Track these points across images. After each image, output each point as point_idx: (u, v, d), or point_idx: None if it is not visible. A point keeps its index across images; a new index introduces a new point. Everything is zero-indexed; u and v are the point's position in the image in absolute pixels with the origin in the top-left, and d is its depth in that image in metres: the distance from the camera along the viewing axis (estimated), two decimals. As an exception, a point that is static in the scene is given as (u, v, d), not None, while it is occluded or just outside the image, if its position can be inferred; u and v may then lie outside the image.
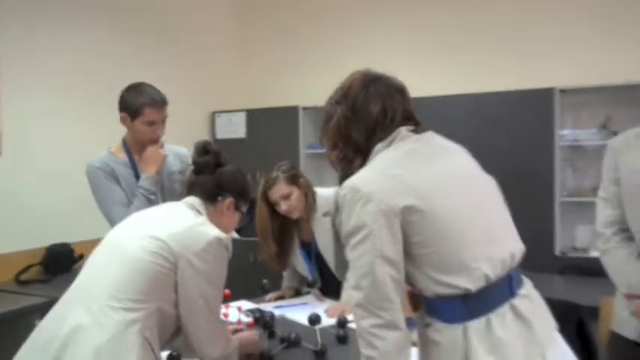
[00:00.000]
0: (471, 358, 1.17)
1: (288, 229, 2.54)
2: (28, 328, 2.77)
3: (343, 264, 2.47)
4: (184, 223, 1.54)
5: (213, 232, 1.54)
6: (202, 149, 1.73)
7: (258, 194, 2.44)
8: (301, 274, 2.67)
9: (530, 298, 1.27)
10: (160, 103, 2.26)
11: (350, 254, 1.26)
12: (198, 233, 1.51)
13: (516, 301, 1.23)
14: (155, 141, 2.30)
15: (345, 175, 1.33)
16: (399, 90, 1.40)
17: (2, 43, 3.30)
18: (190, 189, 1.71)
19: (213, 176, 1.69)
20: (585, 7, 4.00)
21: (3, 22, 3.33)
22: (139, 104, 2.22)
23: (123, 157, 2.30)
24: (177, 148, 2.47)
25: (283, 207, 2.40)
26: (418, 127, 1.40)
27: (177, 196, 2.23)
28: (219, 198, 1.68)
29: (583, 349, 2.32)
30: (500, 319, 1.19)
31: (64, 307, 1.47)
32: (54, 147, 3.47)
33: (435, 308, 1.25)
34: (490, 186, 1.39)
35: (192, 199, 1.67)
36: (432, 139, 1.40)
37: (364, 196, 1.21)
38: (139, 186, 2.22)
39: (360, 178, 1.26)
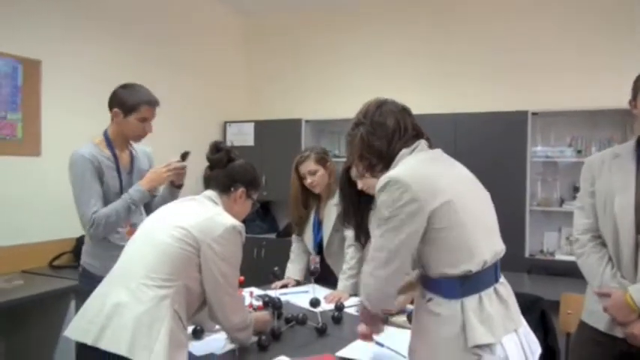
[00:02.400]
0: (467, 327, 1.29)
1: (310, 202, 2.73)
2: (62, 306, 2.89)
3: (333, 249, 2.61)
4: (205, 214, 1.62)
5: (229, 220, 1.62)
6: (215, 148, 1.80)
7: (292, 168, 2.65)
8: (303, 265, 2.81)
9: (506, 286, 1.43)
10: (154, 102, 2.23)
11: (379, 231, 1.37)
12: (216, 222, 1.59)
13: (498, 286, 1.39)
14: (142, 137, 2.25)
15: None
16: (405, 109, 1.56)
17: (43, 49, 3.34)
18: (207, 183, 1.80)
19: (226, 170, 1.78)
20: (557, 39, 4.13)
21: (44, 29, 3.35)
22: (137, 101, 2.17)
23: (107, 152, 2.20)
24: (145, 148, 2.41)
25: (308, 180, 2.59)
26: (430, 142, 1.55)
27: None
28: (232, 189, 1.76)
29: (544, 334, 2.45)
30: (488, 298, 1.34)
31: (107, 287, 1.56)
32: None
33: (437, 286, 1.37)
34: (487, 195, 1.53)
35: (209, 192, 1.75)
36: (443, 153, 1.54)
37: (403, 185, 1.32)
38: (129, 194, 2.15)
39: (398, 172, 1.37)
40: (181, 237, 1.55)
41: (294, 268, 2.81)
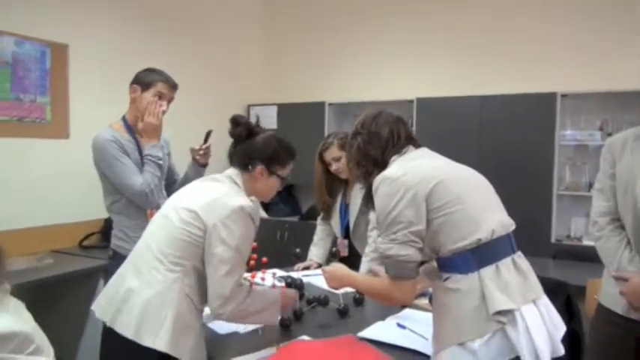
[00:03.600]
0: (487, 296, 1.31)
1: (336, 187, 2.74)
2: (91, 284, 2.97)
3: (360, 231, 2.63)
4: (213, 195, 1.58)
5: (237, 201, 1.55)
6: (234, 122, 1.72)
7: (316, 156, 2.67)
8: (325, 249, 2.82)
9: (524, 260, 1.45)
10: (172, 82, 2.28)
11: (385, 227, 1.44)
12: (223, 203, 1.54)
13: (516, 257, 1.41)
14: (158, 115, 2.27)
15: (369, 188, 1.57)
16: (399, 118, 1.64)
17: (70, 33, 3.38)
18: (230, 160, 1.75)
19: (243, 146, 1.70)
20: (587, 18, 4.01)
21: (70, 14, 3.40)
22: (153, 78, 2.24)
23: (126, 136, 2.24)
24: (164, 134, 2.40)
25: (334, 167, 2.61)
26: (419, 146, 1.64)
27: (164, 174, 2.33)
28: (250, 166, 1.68)
29: (569, 318, 2.42)
30: (506, 267, 1.37)
31: (124, 268, 1.63)
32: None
33: (452, 264, 1.40)
34: (482, 177, 1.56)
35: (230, 171, 1.71)
36: (429, 150, 1.62)
37: (395, 180, 1.43)
38: (147, 154, 2.19)
39: (390, 171, 1.48)
40: (190, 220, 1.55)
41: (317, 251, 2.83)
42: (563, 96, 3.87)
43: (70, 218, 3.38)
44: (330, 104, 4.84)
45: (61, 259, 3.05)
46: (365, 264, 2.50)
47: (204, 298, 1.59)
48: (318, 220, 2.88)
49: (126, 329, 1.48)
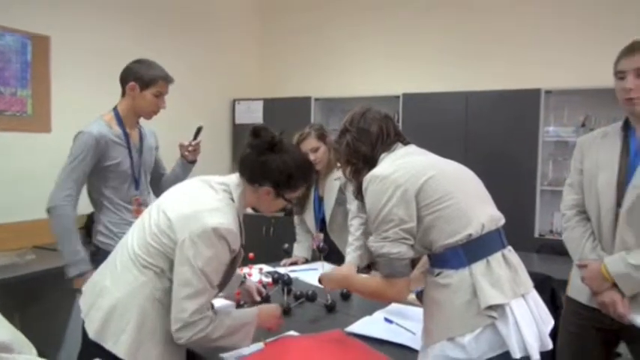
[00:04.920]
0: (478, 291, 1.32)
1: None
2: (71, 281, 2.92)
3: (337, 224, 2.62)
4: (196, 206, 1.45)
5: (214, 221, 1.40)
6: (254, 133, 1.55)
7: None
8: (309, 244, 2.81)
9: (514, 255, 1.46)
10: (171, 79, 2.24)
11: (376, 225, 1.44)
12: (200, 219, 1.40)
13: (506, 252, 1.42)
14: (155, 113, 2.24)
15: (359, 185, 1.56)
16: (387, 116, 1.64)
17: (52, 25, 3.30)
18: (240, 165, 1.58)
19: (259, 160, 1.53)
20: (571, 16, 4.05)
21: (52, 5, 3.32)
22: (154, 75, 2.17)
23: (117, 129, 2.18)
24: (151, 127, 2.40)
25: (312, 157, 2.53)
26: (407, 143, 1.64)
27: (150, 169, 2.32)
28: (257, 185, 1.54)
29: (554, 312, 2.45)
30: (497, 262, 1.37)
31: (108, 262, 1.58)
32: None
33: (443, 259, 1.40)
34: (471, 171, 1.57)
35: (232, 179, 1.57)
36: (418, 148, 1.62)
37: (384, 178, 1.43)
38: (76, 261, 2.08)
39: (379, 169, 1.48)
40: (164, 228, 1.45)
41: (301, 247, 2.82)
42: (547, 92, 3.92)
43: (52, 213, 3.31)
44: (317, 99, 4.83)
45: (43, 255, 2.99)
46: (350, 254, 2.48)
47: None
48: (295, 218, 2.86)
49: (91, 326, 1.46)
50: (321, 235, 2.69)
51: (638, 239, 1.67)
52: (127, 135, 2.21)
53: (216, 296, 1.53)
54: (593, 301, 1.77)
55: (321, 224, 2.72)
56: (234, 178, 1.57)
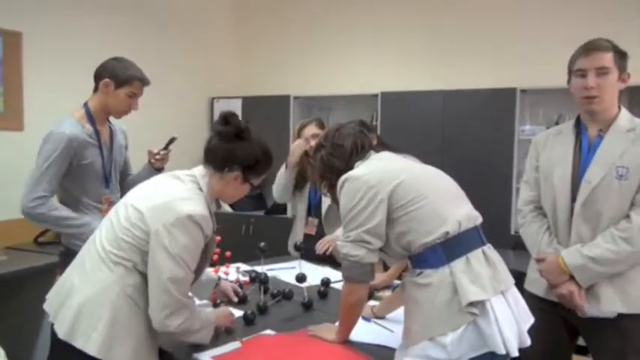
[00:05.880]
0: (458, 288, 1.33)
1: (306, 170, 2.73)
2: (47, 281, 2.88)
3: (333, 214, 2.64)
4: (165, 197, 1.47)
5: (187, 208, 1.43)
6: (224, 119, 1.59)
7: (295, 134, 2.80)
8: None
9: (494, 252, 1.47)
10: (147, 80, 2.20)
11: (344, 224, 1.47)
12: (172, 208, 1.43)
13: (486, 249, 1.44)
14: (127, 113, 2.21)
15: (334, 198, 1.58)
16: (362, 128, 1.66)
17: (24, 20, 3.23)
18: (205, 154, 1.61)
19: (227, 146, 1.57)
20: (546, 16, 4.10)
21: (24, 1, 3.25)
22: (131, 75, 2.13)
23: (88, 127, 2.15)
24: (121, 125, 2.38)
25: (312, 143, 2.62)
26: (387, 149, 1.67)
27: (120, 168, 2.32)
28: (226, 169, 1.57)
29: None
30: (476, 259, 1.39)
31: (74, 263, 1.57)
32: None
33: (422, 259, 1.41)
34: (444, 173, 1.59)
35: (198, 170, 1.59)
36: (392, 153, 1.64)
37: (357, 179, 1.46)
38: (82, 225, 2.07)
39: (354, 171, 1.51)
40: (135, 220, 1.46)
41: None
42: (523, 91, 3.96)
43: (24, 213, 3.24)
44: (296, 97, 4.81)
45: (15, 256, 2.95)
46: (339, 230, 2.50)
47: None
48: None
49: (61, 327, 1.44)
50: (316, 221, 2.74)
51: (593, 232, 1.74)
52: (97, 132, 2.18)
53: (192, 284, 1.54)
54: (550, 294, 1.83)
55: (316, 210, 2.77)
56: (199, 169, 1.60)
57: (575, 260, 1.72)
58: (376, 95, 4.45)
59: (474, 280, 1.34)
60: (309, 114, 4.98)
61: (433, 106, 4.17)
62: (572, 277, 1.73)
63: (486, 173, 3.95)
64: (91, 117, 2.17)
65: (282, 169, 2.85)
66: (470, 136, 4.04)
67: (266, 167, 1.65)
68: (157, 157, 2.36)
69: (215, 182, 1.58)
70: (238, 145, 1.58)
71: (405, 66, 4.64)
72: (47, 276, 2.78)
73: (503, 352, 1.29)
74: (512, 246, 3.68)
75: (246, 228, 4.83)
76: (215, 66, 5.20)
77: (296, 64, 5.14)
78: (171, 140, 2.36)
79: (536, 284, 1.89)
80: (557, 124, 3.96)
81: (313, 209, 2.79)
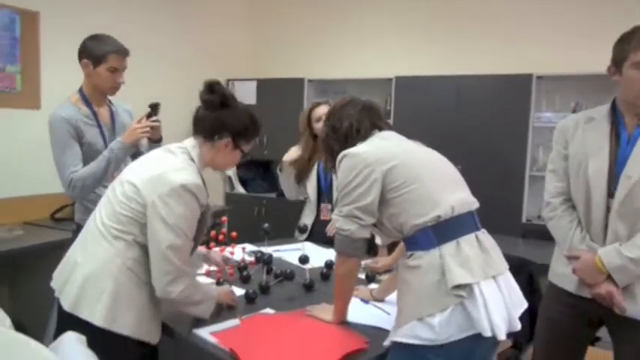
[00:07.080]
0: (446, 271, 1.34)
1: (317, 151, 2.71)
2: (62, 256, 2.97)
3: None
4: (159, 169, 1.50)
5: (181, 178, 1.46)
6: (208, 88, 1.60)
7: (305, 117, 2.71)
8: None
9: (489, 238, 1.47)
10: (123, 51, 2.17)
11: (340, 199, 1.49)
12: (166, 179, 1.46)
13: (480, 235, 1.44)
14: (116, 88, 2.20)
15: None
16: (365, 107, 1.63)
17: (41, 0, 3.26)
18: (194, 125, 1.62)
19: (215, 114, 1.58)
20: (564, 2, 4.01)
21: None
22: (104, 51, 2.12)
23: (85, 109, 2.18)
24: (124, 105, 2.40)
25: (320, 125, 2.58)
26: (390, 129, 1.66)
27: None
28: (217, 136, 1.58)
29: (530, 296, 2.48)
30: (468, 243, 1.39)
31: (77, 240, 1.62)
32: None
33: (414, 241, 1.43)
34: (445, 158, 1.58)
35: (188, 141, 1.61)
36: (395, 133, 1.64)
37: (355, 155, 1.48)
38: (110, 148, 2.12)
39: (354, 148, 1.52)
40: (131, 194, 1.49)
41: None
42: (539, 78, 3.90)
43: (42, 190, 3.32)
44: (310, 80, 4.82)
45: (32, 231, 3.02)
46: None
47: None
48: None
49: (66, 300, 1.49)
50: (329, 206, 2.73)
51: (630, 230, 1.64)
52: (94, 113, 2.20)
53: (192, 252, 1.59)
54: (581, 290, 1.74)
55: (328, 195, 2.75)
56: (189, 141, 1.62)
57: (614, 261, 1.62)
58: (390, 79, 4.42)
59: (462, 263, 1.35)
60: (323, 97, 4.97)
61: (448, 91, 4.13)
62: (609, 277, 1.64)
63: (499, 160, 3.91)
64: (86, 99, 2.20)
65: (279, 174, 2.85)
66: (483, 121, 4.00)
67: (255, 133, 1.66)
68: (144, 128, 2.19)
69: (206, 151, 1.61)
70: (225, 112, 1.59)
71: (420, 50, 4.59)
72: (62, 251, 2.85)
73: (489, 334, 1.30)
74: (522, 234, 3.68)
75: (259, 210, 4.90)
76: (232, 48, 5.22)
77: (310, 47, 5.12)
78: (153, 107, 2.23)
79: (565, 279, 1.80)
80: (574, 112, 3.89)
81: (325, 195, 2.78)
